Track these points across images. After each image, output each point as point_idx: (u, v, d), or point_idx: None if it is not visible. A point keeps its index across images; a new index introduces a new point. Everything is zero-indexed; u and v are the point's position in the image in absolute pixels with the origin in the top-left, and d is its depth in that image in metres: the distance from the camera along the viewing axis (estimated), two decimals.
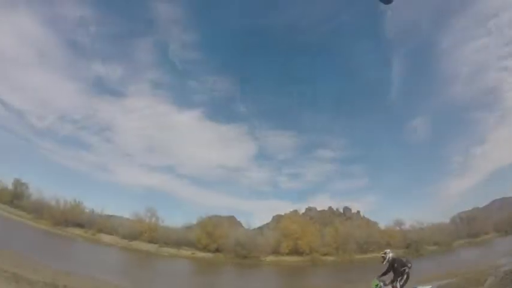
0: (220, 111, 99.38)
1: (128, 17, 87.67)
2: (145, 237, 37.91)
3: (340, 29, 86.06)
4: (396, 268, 7.50)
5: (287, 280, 25.59)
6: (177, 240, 37.92)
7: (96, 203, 54.83)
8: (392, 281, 7.55)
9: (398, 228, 39.91)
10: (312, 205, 59.57)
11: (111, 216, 43.53)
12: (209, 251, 36.64)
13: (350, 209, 53.28)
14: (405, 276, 7.41)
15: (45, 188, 50.05)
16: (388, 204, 75.91)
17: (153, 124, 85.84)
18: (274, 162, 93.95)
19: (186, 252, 37.06)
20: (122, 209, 78.98)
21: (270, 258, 35.74)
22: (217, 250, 36.66)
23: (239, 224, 48.19)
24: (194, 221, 42.26)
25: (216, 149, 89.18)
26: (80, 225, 39.76)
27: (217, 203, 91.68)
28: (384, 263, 7.73)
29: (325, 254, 35.89)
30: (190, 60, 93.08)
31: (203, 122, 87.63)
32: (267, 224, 51.08)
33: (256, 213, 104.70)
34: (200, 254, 36.70)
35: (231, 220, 49.48)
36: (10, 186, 42.83)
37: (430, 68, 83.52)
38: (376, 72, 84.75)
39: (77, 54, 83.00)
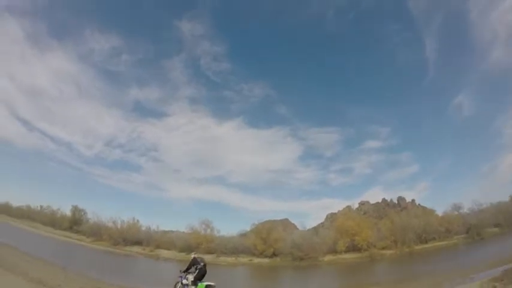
0: (260, 116, 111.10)
1: (156, 40, 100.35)
2: (202, 249, 46.13)
3: (364, 16, 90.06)
4: None
5: (346, 279, 27.79)
6: (233, 248, 46.25)
7: (151, 221, 69.72)
8: None
9: (456, 212, 44.44)
10: (364, 199, 67.22)
11: (167, 231, 54.95)
12: (266, 256, 43.43)
13: (404, 199, 59.85)
14: None
15: (101, 212, 65.03)
16: (442, 189, 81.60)
17: (197, 138, 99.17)
18: (322, 160, 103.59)
19: (243, 259, 44.44)
20: (177, 223, 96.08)
21: (328, 257, 41.16)
22: (274, 254, 43.38)
23: (293, 226, 57.48)
24: (248, 228, 50.87)
25: (262, 154, 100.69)
26: (138, 242, 50.85)
27: (270, 208, 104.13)
28: None
29: (383, 248, 40.79)
30: (223, 71, 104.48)
31: (245, 130, 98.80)
32: (322, 223, 59.30)
33: (309, 214, 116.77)
34: (257, 260, 43.37)
35: (285, 223, 58.24)
36: (69, 213, 57.48)
37: (464, 38, 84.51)
38: (409, 53, 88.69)
39: (114, 82, 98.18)
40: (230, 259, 45.47)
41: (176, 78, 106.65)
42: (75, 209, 58.24)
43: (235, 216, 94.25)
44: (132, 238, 51.25)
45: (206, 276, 12.08)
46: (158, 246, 49.61)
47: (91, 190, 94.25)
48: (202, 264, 12.17)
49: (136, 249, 49.57)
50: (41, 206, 65.14)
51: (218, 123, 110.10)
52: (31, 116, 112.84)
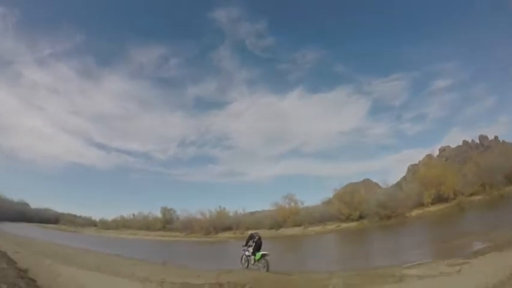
0: (319, 80, 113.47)
1: (197, 36, 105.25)
2: (290, 223, 50.58)
3: None
4: None
5: (435, 232, 27.97)
6: (319, 217, 49.05)
7: (237, 205, 77.59)
8: None
9: None
10: (444, 144, 67.85)
11: (254, 212, 60.46)
12: (352, 220, 45.58)
13: (486, 137, 59.29)
14: None
15: (189, 207, 74.15)
16: None
17: (263, 117, 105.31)
18: (392, 112, 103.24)
19: (330, 226, 47.03)
20: (262, 203, 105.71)
21: (415, 212, 42.17)
22: (360, 217, 45.34)
23: (375, 185, 59.09)
24: (331, 195, 53.13)
25: (330, 118, 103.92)
26: (228, 228, 56.27)
27: (349, 171, 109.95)
28: None
29: (471, 195, 40.44)
30: (270, 46, 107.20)
31: (307, 98, 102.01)
32: (404, 177, 60.94)
33: (390, 170, 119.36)
34: (344, 225, 45.65)
35: (367, 183, 60.48)
36: (159, 215, 65.90)
37: None
38: None
39: (170, 87, 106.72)
40: (318, 228, 48.46)
41: (227, 66, 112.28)
42: (165, 210, 66.60)
43: (316, 185, 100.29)
44: (221, 225, 57.09)
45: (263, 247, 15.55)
46: (247, 228, 51.39)
47: (175, 189, 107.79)
48: (257, 237, 15.66)
49: (227, 234, 54.65)
50: (133, 214, 74.45)
51: (280, 98, 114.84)
52: (105, 139, 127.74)
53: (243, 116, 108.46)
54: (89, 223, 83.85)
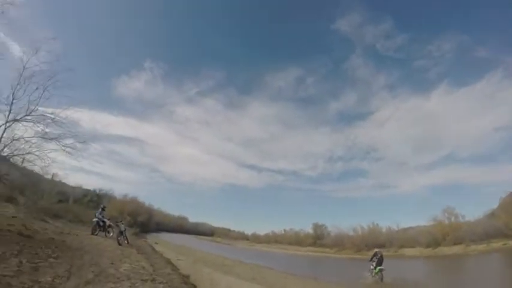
0: (462, 71, 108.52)
1: (327, 49, 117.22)
2: (449, 240, 48.86)
3: None
4: None
5: None
6: (483, 233, 46.82)
7: (389, 221, 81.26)
8: None
9: None
10: None
11: (407, 228, 61.72)
12: None
13: None
14: None
15: (340, 223, 79.87)
16: None
17: (409, 123, 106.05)
18: None
19: (496, 244, 44.90)
20: (415, 218, 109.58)
21: None
22: None
23: None
24: (494, 205, 50.17)
25: (482, 113, 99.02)
26: (380, 245, 52.93)
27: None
28: None
29: None
30: (401, 45, 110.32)
31: (453, 93, 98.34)
32: None
33: None
34: None
35: None
36: (310, 231, 73.37)
37: None
38: None
39: (311, 105, 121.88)
40: (481, 246, 46.27)
41: (363, 74, 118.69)
42: (316, 226, 74.11)
43: (475, 195, 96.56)
44: (373, 242, 57.53)
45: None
46: (402, 246, 55.60)
47: (325, 205, 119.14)
48: (379, 255, 21.94)
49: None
50: (284, 230, 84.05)
51: (424, 98, 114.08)
52: (256, 160, 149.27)
53: (388, 123, 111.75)
54: (242, 237, 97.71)
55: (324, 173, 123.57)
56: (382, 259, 22.40)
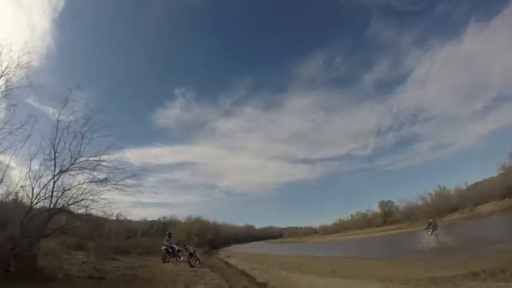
0: (490, 1, 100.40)
1: (347, 23, 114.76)
2: None
3: None
4: None
5: None
6: None
7: (455, 181, 69.51)
8: None
9: None
10: None
11: (477, 183, 57.86)
12: None
13: None
14: None
15: (406, 195, 77.64)
16: None
17: (448, 72, 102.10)
18: None
19: None
20: (482, 172, 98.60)
21: None
22: None
23: None
24: None
25: None
26: (452, 208, 55.10)
27: None
28: None
29: None
30: None
31: (485, 27, 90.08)
32: None
33: None
34: None
35: None
36: (378, 210, 70.79)
37: None
38: None
39: (344, 83, 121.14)
40: None
41: (387, 37, 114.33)
42: (382, 203, 70.80)
43: None
44: (445, 206, 55.82)
45: None
46: (475, 204, 52.22)
47: (386, 181, 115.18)
48: (434, 223, 26.80)
49: (454, 216, 52.65)
50: (351, 215, 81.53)
51: (457, 43, 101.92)
52: (307, 153, 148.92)
53: (428, 80, 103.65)
54: (311, 232, 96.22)
55: (377, 148, 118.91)
56: (437, 226, 27.05)
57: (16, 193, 12.40)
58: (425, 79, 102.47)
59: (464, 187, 59.63)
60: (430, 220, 28.19)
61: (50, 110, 13.57)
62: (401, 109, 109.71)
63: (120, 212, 19.45)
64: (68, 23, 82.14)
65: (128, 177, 13.43)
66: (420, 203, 62.54)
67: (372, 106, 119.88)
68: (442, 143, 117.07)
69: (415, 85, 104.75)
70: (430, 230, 26.40)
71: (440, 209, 55.73)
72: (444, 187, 61.14)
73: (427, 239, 25.32)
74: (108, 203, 12.86)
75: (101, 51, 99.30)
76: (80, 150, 12.66)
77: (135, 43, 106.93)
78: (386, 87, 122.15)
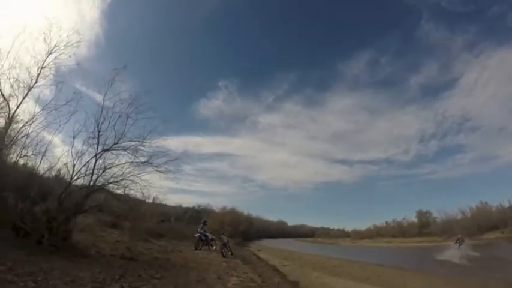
0: None
1: (396, 23, 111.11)
2: None
3: None
4: None
5: None
6: None
7: (499, 197, 70.00)
8: None
9: None
10: None
11: None
12: None
13: None
14: None
15: (444, 206, 72.59)
16: None
17: (500, 80, 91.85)
18: None
19: None
20: None
21: None
22: None
23: None
24: None
25: None
26: (493, 226, 52.00)
27: None
28: None
29: None
30: None
31: None
32: None
33: None
34: None
35: None
36: (414, 220, 67.75)
37: None
38: None
39: (390, 85, 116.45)
40: None
41: (437, 39, 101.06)
42: (420, 213, 67.26)
43: None
44: (485, 223, 52.91)
45: None
46: None
47: (424, 190, 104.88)
48: (461, 239, 30.52)
49: (494, 234, 50.27)
50: (386, 222, 78.16)
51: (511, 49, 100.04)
52: (346, 154, 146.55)
53: (477, 87, 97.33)
54: (342, 234, 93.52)
55: (418, 155, 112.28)
56: (464, 241, 30.44)
57: (58, 169, 12.35)
58: (473, 86, 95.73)
59: (507, 205, 55.08)
60: (459, 236, 31.57)
61: (95, 91, 13.47)
62: (446, 116, 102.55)
63: (157, 196, 19.43)
64: (116, 13, 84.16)
65: (168, 162, 13.29)
66: (459, 216, 59.52)
67: (416, 111, 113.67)
68: (487, 155, 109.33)
69: (463, 92, 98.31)
70: (458, 244, 29.47)
71: (480, 226, 53.01)
72: (486, 203, 57.43)
73: (453, 252, 27.37)
74: (147, 185, 12.76)
75: (149, 42, 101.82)
76: (123, 131, 12.51)
77: (182, 34, 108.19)
78: (433, 92, 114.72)
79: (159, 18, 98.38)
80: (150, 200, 21.47)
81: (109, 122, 12.29)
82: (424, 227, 65.89)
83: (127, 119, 12.54)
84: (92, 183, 11.70)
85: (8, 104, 11.56)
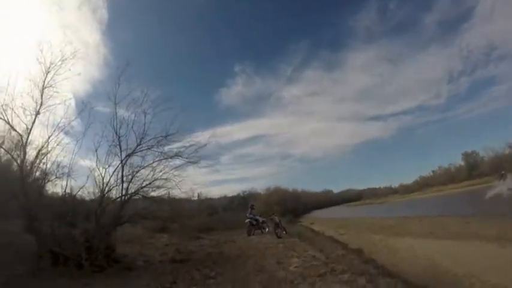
0: None
1: None
2: None
3: None
4: None
5: None
6: None
7: None
8: None
9: None
10: None
11: None
12: None
13: None
14: None
15: (492, 143, 65.27)
16: None
17: None
18: None
19: None
20: None
21: None
22: None
23: None
24: None
25: None
26: None
27: None
28: None
29: None
30: None
31: None
32: None
33: None
34: None
35: None
36: (461, 163, 65.38)
37: None
38: None
39: (407, 30, 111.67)
40: None
41: None
42: (466, 155, 64.91)
43: None
44: None
45: None
46: None
47: (464, 131, 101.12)
48: (505, 174, 28.96)
49: None
50: (432, 171, 76.21)
51: None
52: (377, 110, 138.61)
53: (496, 11, 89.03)
54: (390, 191, 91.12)
55: (450, 96, 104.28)
56: (507, 176, 28.83)
57: (88, 186, 11.73)
58: (492, 11, 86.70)
59: None
60: (502, 172, 31.03)
61: (105, 98, 12.48)
62: (471, 49, 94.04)
63: (200, 192, 18.66)
64: (117, 29, 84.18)
65: (199, 151, 12.60)
66: (507, 151, 55.86)
67: (438, 51, 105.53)
68: None
69: (482, 20, 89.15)
70: (502, 180, 28.71)
71: None
72: None
73: (499, 188, 27.14)
74: (182, 179, 12.13)
75: (154, 48, 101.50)
76: (144, 130, 11.75)
77: (188, 30, 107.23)
78: (451, 27, 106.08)
79: (159, 18, 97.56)
80: (195, 197, 20.85)
81: (127, 125, 11.56)
82: (473, 169, 62.80)
83: (145, 116, 11.71)
84: (124, 191, 11.05)
85: (19, 134, 10.75)
